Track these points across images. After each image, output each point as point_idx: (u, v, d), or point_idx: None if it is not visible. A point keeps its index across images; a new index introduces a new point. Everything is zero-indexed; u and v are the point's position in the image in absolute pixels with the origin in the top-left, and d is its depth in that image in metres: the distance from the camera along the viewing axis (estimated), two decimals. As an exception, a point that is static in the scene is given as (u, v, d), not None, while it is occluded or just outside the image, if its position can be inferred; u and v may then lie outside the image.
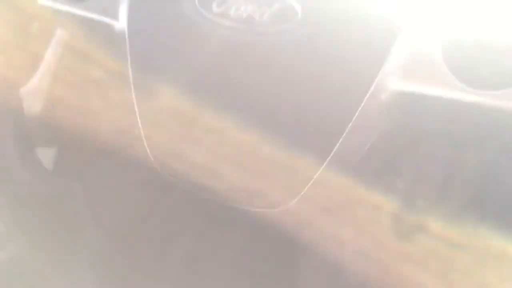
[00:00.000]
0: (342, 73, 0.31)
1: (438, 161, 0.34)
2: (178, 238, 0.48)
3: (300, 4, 0.31)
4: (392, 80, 0.30)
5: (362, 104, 0.30)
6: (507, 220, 0.32)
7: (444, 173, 0.34)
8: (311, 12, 0.31)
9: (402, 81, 0.31)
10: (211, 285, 0.45)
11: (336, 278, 0.37)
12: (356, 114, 0.30)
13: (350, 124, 0.31)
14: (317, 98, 0.31)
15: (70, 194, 0.51)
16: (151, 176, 0.39)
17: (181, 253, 0.46)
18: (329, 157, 0.32)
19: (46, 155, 0.51)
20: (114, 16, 0.38)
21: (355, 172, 0.34)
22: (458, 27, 0.30)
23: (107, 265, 0.52)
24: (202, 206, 0.41)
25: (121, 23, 0.37)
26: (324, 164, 0.32)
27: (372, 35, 0.30)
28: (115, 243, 0.50)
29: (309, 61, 0.31)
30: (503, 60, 0.28)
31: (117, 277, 0.51)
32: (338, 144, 0.31)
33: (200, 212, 0.43)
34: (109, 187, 0.51)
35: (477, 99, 0.29)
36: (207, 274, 0.47)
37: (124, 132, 0.39)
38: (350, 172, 0.33)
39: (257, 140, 0.33)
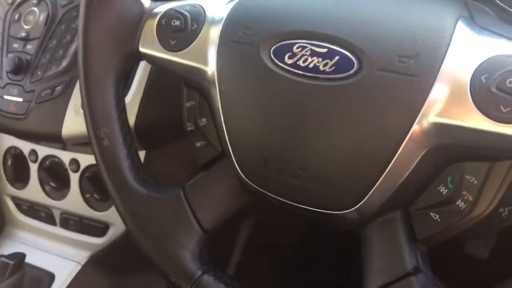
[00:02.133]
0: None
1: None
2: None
3: (354, 57, 0.38)
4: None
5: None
6: None
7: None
8: (364, 64, 0.38)
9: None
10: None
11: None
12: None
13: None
14: (365, 131, 0.38)
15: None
16: None
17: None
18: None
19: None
20: (206, 62, 0.45)
21: None
22: None
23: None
24: None
25: (211, 67, 0.44)
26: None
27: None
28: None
29: (362, 102, 0.38)
30: None
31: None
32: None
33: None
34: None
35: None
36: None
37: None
38: None
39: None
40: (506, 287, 0.35)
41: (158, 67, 0.50)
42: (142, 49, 0.48)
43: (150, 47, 0.48)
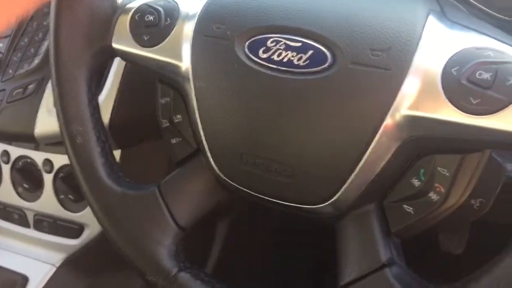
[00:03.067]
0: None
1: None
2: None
3: (328, 51, 0.38)
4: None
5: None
6: None
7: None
8: (338, 58, 0.38)
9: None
10: None
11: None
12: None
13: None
14: (338, 125, 0.39)
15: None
16: None
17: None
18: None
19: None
20: (180, 58, 0.44)
21: None
22: None
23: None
24: None
25: (185, 63, 0.44)
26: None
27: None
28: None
29: (336, 95, 0.38)
30: None
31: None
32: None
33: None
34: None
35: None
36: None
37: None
38: None
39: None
40: (475, 279, 0.35)
41: (132, 63, 0.50)
42: (115, 45, 0.48)
43: (123, 43, 0.47)
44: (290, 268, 0.90)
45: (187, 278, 0.45)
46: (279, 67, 0.40)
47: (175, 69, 0.45)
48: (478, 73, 0.35)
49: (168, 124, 0.49)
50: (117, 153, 0.67)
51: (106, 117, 0.61)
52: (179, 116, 0.48)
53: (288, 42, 0.40)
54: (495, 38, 0.36)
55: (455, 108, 0.36)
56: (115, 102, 0.62)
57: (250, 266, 0.87)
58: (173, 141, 0.48)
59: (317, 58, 0.39)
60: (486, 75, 0.35)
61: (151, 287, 0.46)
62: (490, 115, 0.35)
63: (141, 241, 0.46)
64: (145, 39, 0.46)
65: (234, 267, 0.84)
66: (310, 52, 0.39)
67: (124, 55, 0.48)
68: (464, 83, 0.35)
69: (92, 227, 0.72)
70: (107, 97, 0.62)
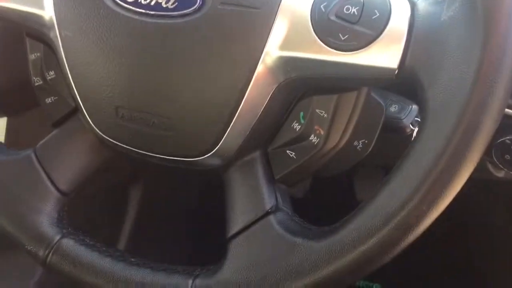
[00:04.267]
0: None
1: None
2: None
3: None
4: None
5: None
6: None
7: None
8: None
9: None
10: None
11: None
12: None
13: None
14: (212, 70, 0.37)
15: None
16: None
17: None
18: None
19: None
20: (41, 6, 0.41)
21: None
22: None
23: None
24: None
25: (48, 12, 0.40)
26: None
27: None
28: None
29: (207, 39, 0.37)
30: None
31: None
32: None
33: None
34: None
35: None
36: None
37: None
38: None
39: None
40: (349, 219, 0.35)
41: None
42: None
43: None
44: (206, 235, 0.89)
45: (70, 244, 0.43)
46: (147, 11, 0.37)
47: (38, 19, 0.41)
48: (345, 7, 0.34)
49: (41, 82, 0.45)
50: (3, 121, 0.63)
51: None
52: (52, 73, 0.44)
53: None
54: None
55: (325, 46, 0.35)
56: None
57: (165, 236, 0.86)
58: (48, 100, 0.45)
59: (186, 0, 0.37)
60: (353, 10, 0.34)
61: (34, 258, 0.43)
62: (358, 51, 0.34)
63: (17, 209, 0.43)
64: None
65: (149, 239, 0.82)
66: None
67: None
68: (333, 19, 0.34)
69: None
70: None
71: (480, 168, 0.52)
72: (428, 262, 0.83)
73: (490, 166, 0.56)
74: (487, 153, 0.50)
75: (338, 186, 0.71)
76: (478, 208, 0.83)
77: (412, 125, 0.45)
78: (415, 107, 0.45)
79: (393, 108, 0.45)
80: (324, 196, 0.74)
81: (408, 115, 0.45)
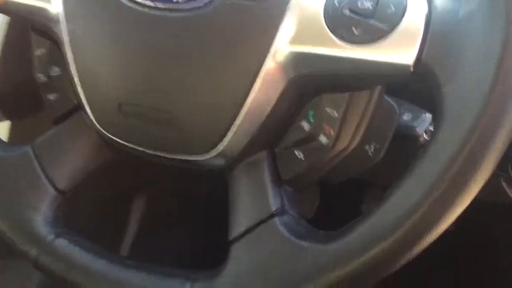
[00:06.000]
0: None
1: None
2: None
3: None
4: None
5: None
6: None
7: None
8: None
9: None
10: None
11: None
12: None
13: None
14: (220, 65, 0.36)
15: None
16: None
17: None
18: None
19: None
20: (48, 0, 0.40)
21: None
22: None
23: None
24: None
25: (55, 6, 0.39)
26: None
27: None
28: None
29: (217, 33, 0.36)
30: None
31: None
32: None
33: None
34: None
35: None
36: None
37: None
38: None
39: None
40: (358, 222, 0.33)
41: (3, 13, 0.45)
42: None
43: None
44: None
45: (64, 245, 0.41)
46: (157, 5, 0.37)
47: (45, 12, 0.40)
48: (360, 2, 0.33)
49: (45, 78, 0.44)
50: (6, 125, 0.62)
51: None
52: (56, 69, 0.43)
53: None
54: None
55: (338, 40, 0.33)
56: (-1, 66, 0.57)
57: (169, 243, 0.83)
58: (51, 96, 0.44)
59: None
60: (368, 4, 0.33)
61: (26, 258, 0.41)
62: (372, 45, 0.33)
63: (11, 206, 0.42)
64: None
65: (152, 247, 0.80)
66: None
67: None
68: (346, 13, 0.33)
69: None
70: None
71: (494, 190, 0.50)
72: (428, 262, 0.80)
73: (505, 185, 0.54)
74: (503, 168, 0.48)
75: (345, 207, 0.69)
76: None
77: (426, 134, 0.44)
78: (428, 115, 0.44)
79: (406, 117, 0.44)
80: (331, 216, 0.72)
81: (422, 124, 0.43)
